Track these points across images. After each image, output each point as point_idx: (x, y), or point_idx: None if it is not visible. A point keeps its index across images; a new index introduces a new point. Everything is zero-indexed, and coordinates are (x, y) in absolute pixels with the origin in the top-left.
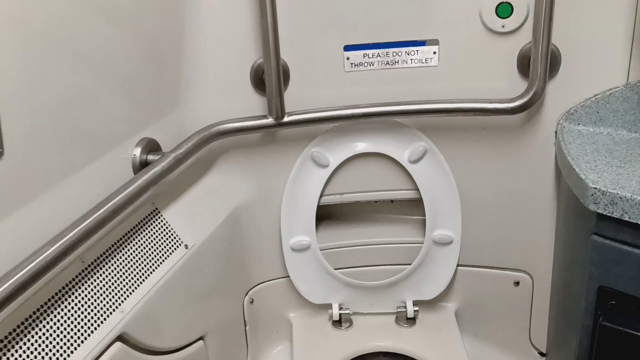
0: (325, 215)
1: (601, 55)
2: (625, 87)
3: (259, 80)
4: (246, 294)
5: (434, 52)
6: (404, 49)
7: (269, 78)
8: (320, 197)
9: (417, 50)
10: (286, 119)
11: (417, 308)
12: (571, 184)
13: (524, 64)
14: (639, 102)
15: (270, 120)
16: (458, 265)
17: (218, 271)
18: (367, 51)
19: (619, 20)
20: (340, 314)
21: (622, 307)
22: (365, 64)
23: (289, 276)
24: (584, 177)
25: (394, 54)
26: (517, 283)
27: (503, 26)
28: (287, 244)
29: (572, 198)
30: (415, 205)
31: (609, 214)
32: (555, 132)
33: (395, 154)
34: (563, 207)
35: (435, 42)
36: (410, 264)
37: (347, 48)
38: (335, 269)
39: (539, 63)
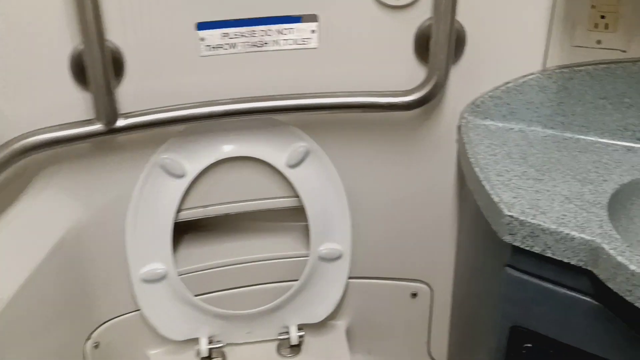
0: (187, 235)
1: (513, 36)
2: (542, 73)
3: (80, 71)
4: (87, 339)
5: (312, 31)
6: (274, 27)
7: (93, 70)
8: (178, 212)
9: (292, 29)
10: (120, 123)
11: (302, 333)
12: (480, 203)
13: (422, 46)
14: (558, 91)
15: (98, 127)
16: (349, 277)
17: (42, 322)
18: (227, 30)
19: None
20: (210, 349)
21: (541, 352)
22: (226, 46)
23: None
24: (498, 199)
25: (262, 33)
26: (414, 294)
27: None
28: (137, 275)
29: (480, 217)
30: (298, 212)
31: (528, 248)
32: (459, 126)
33: (270, 157)
34: (467, 219)
35: (313, 18)
36: (293, 282)
37: (201, 26)
38: (200, 295)
39: (441, 46)
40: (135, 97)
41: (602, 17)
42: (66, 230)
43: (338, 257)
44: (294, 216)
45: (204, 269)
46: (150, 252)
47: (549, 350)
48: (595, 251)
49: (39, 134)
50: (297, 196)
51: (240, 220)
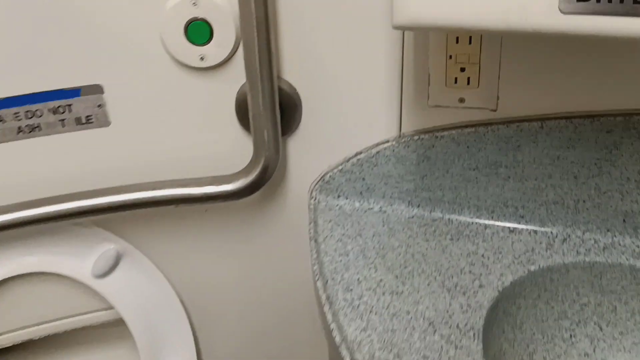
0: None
1: (359, 96)
2: (398, 141)
3: None
4: None
5: (99, 105)
6: (44, 106)
7: None
8: None
9: (70, 105)
10: None
11: None
12: (325, 333)
13: (244, 116)
14: (419, 162)
15: None
16: None
17: None
18: None
19: (381, 45)
20: None
21: None
22: None
23: None
24: (340, 339)
25: (31, 113)
26: None
27: (202, 58)
28: None
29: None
30: (118, 328)
31: None
32: (310, 207)
33: (70, 268)
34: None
35: (97, 89)
36: None
37: None
38: None
39: (261, 115)
40: None
41: (462, 69)
42: None
43: None
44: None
45: None
46: None
47: None
48: None
49: None
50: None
51: (58, 345)
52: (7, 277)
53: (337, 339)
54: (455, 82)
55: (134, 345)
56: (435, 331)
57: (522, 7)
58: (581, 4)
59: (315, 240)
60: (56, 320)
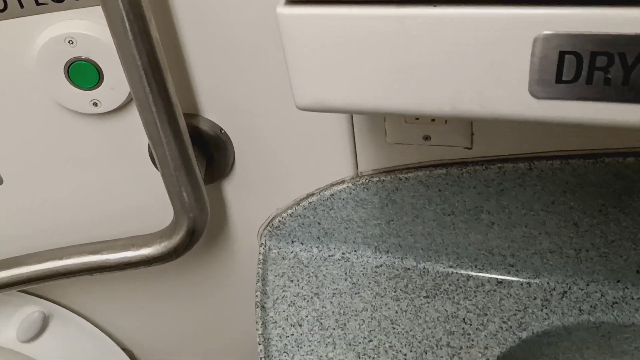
0: None
1: (302, 131)
2: (355, 182)
3: None
4: None
5: None
6: None
7: None
8: None
9: None
10: None
11: None
12: None
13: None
14: (382, 207)
15: None
16: None
17: None
18: None
19: None
20: None
21: None
22: None
23: None
24: None
25: None
26: None
27: (95, 103)
28: None
29: None
30: None
31: None
32: (260, 259)
33: None
34: None
35: None
36: None
37: None
38: None
39: (175, 174)
40: None
41: None
42: None
43: None
44: None
45: None
46: None
47: None
48: None
49: None
50: None
51: None
52: None
53: None
54: (417, 117)
55: None
56: None
57: (478, 92)
58: (561, 85)
59: (263, 307)
60: None
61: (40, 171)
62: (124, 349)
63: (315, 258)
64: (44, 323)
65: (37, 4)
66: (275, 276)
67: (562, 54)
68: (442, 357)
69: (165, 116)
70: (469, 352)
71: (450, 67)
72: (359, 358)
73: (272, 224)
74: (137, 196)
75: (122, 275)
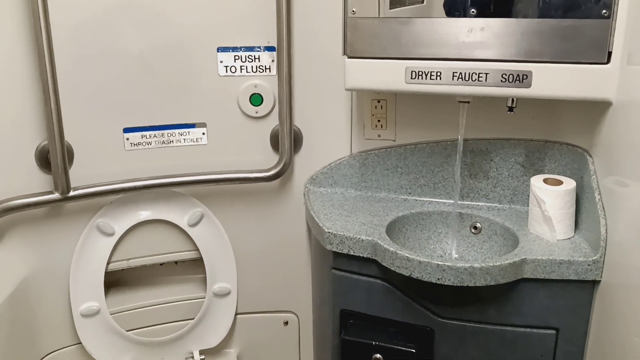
0: (116, 281)
1: (331, 134)
2: (350, 157)
3: (44, 160)
4: None
5: (203, 133)
6: (177, 131)
7: (54, 157)
8: (108, 264)
9: (189, 132)
10: (72, 193)
11: (203, 357)
12: (315, 231)
13: (275, 142)
14: (360, 167)
15: (56, 195)
16: (237, 314)
17: None
18: (144, 132)
19: (341, 108)
20: None
21: (358, 324)
22: (144, 144)
23: (80, 343)
24: (322, 224)
25: (169, 134)
26: (286, 323)
27: (256, 112)
28: (77, 311)
29: (317, 243)
30: (197, 265)
31: (340, 251)
32: (304, 193)
33: (176, 219)
34: (313, 252)
35: (203, 124)
36: (194, 318)
37: (126, 130)
38: (128, 331)
39: (285, 141)
40: (81, 177)
41: (379, 120)
42: (25, 275)
43: (227, 294)
44: (194, 269)
45: (127, 310)
46: (87, 293)
47: (363, 322)
48: (375, 246)
49: (11, 200)
50: (196, 249)
51: (153, 275)
52: (139, 221)
53: (320, 224)
54: (376, 126)
55: (203, 279)
56: (364, 225)
57: (393, 82)
58: (413, 80)
59: (310, 203)
60: (162, 254)
61: (230, 139)
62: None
63: (329, 193)
64: (200, 218)
65: (247, 71)
66: (313, 197)
67: (412, 72)
68: (380, 214)
69: (288, 116)
70: (391, 213)
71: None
72: (348, 212)
73: (312, 178)
74: (259, 160)
75: (241, 199)
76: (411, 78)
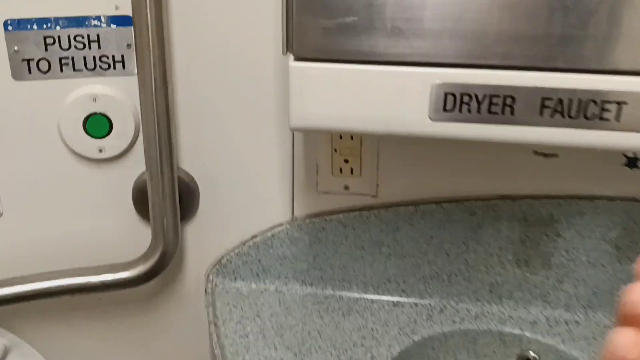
0: None
1: (255, 183)
2: (291, 224)
3: None
4: None
5: None
6: None
7: None
8: None
9: None
10: None
11: None
12: None
13: (144, 203)
14: (311, 244)
15: None
16: None
17: None
18: None
19: (274, 137)
20: None
21: None
22: None
23: None
24: None
25: None
26: None
27: (100, 150)
28: None
29: None
30: None
31: None
32: (205, 290)
33: None
34: None
35: None
36: None
37: None
38: None
39: (161, 203)
40: None
41: (346, 161)
42: None
43: None
44: None
45: None
46: None
47: None
48: None
49: None
50: None
51: None
52: None
53: None
54: (341, 171)
55: None
56: None
57: (400, 116)
58: (447, 113)
59: (215, 324)
60: None
61: (37, 204)
62: None
63: (253, 292)
64: (3, 355)
65: (74, 69)
66: (222, 304)
67: (445, 94)
68: (358, 353)
69: (167, 157)
70: (377, 350)
71: (385, 102)
72: (296, 356)
73: (220, 262)
74: (117, 233)
75: (84, 312)
76: (444, 108)
